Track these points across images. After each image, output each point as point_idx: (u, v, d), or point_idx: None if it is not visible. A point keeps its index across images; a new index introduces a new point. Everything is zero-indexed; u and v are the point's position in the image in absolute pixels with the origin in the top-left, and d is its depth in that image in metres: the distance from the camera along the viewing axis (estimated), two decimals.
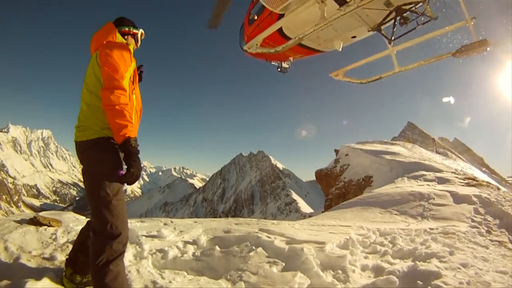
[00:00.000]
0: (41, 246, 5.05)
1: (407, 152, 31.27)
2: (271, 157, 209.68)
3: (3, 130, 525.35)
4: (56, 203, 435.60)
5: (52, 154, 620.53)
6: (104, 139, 3.34)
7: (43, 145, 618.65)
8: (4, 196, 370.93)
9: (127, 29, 3.94)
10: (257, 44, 6.81)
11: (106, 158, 3.32)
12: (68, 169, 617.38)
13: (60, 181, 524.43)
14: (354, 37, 7.13)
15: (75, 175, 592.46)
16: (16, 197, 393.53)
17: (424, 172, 19.24)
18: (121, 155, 3.27)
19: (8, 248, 4.76)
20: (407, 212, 11.78)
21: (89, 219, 4.03)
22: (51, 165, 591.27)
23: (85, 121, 3.42)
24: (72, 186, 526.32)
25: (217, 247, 5.47)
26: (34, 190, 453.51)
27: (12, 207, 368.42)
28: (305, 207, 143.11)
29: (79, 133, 3.45)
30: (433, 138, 63.21)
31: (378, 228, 8.56)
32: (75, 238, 5.34)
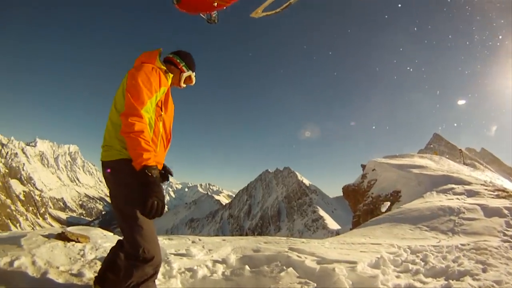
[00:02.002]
0: (69, 262, 4.96)
1: (434, 165, 30.84)
2: (297, 173, 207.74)
3: (31, 144, 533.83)
4: (82, 217, 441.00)
5: (79, 168, 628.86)
6: (128, 161, 3.18)
7: (70, 160, 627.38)
8: (31, 208, 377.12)
9: (176, 59, 3.83)
10: None
11: (130, 181, 3.17)
12: (94, 183, 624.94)
13: (86, 195, 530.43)
14: None
15: (102, 190, 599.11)
16: (43, 209, 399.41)
17: (453, 185, 18.95)
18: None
19: (35, 262, 4.67)
20: (437, 227, 11.53)
21: (119, 237, 3.92)
22: (78, 179, 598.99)
23: (110, 140, 3.34)
24: (98, 200, 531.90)
25: (247, 267, 5.30)
26: (61, 203, 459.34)
27: (39, 218, 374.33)
28: (332, 224, 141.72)
29: (104, 153, 3.37)
30: (460, 149, 62.34)
31: (409, 245, 8.35)
32: (103, 255, 5.36)
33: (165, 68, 3.62)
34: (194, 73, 3.94)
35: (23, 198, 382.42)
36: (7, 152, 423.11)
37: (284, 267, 5.29)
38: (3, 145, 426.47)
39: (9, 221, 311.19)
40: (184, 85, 3.96)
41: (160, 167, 3.40)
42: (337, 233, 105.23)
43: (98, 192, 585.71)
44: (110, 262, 3.57)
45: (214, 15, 4.75)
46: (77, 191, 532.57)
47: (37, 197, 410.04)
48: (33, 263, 4.65)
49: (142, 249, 3.06)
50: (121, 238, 3.54)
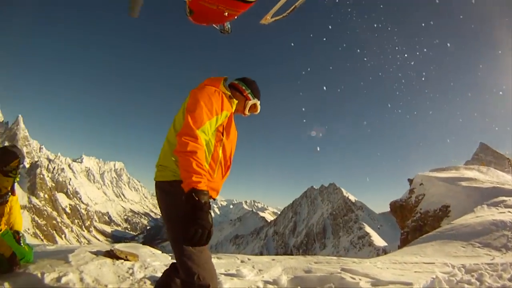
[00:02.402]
0: (117, 280, 4.90)
1: (483, 176, 29.98)
2: (342, 189, 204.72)
3: (77, 160, 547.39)
4: (127, 231, 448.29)
5: (124, 184, 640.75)
6: (181, 183, 2.93)
7: (116, 176, 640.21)
8: (76, 221, 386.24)
9: (241, 86, 3.68)
10: None
11: (182, 204, 2.89)
12: (140, 199, 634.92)
13: (131, 210, 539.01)
14: None
15: (147, 206, 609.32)
16: (88, 223, 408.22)
17: (504, 198, 18.33)
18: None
19: (83, 279, 4.62)
20: (490, 244, 11.11)
21: (167, 255, 3.78)
22: (123, 195, 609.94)
23: (165, 160, 3.23)
24: (143, 216, 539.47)
25: None
26: (106, 217, 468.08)
27: (84, 231, 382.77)
28: (378, 241, 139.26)
29: (158, 173, 3.27)
30: (508, 159, 60.24)
31: (462, 264, 8.11)
32: (152, 274, 5.35)
33: (230, 93, 3.47)
34: (259, 101, 3.78)
35: (69, 211, 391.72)
36: (54, 167, 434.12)
37: None
38: (50, 160, 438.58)
39: (54, 232, 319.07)
40: (248, 113, 3.81)
41: (215, 195, 3.27)
42: (384, 250, 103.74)
43: (143, 207, 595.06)
44: (163, 285, 3.46)
45: (226, 26, 4.95)
46: (122, 206, 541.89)
47: (82, 211, 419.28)
48: (81, 280, 4.59)
49: (197, 276, 2.88)
50: (174, 260, 3.39)
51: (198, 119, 2.98)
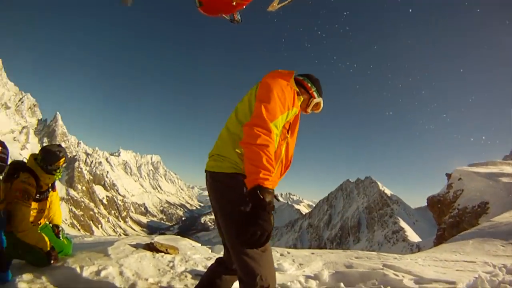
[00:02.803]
0: (157, 274, 4.82)
1: None
2: (378, 183, 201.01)
3: (115, 154, 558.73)
4: (162, 221, 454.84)
5: (161, 177, 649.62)
6: (242, 176, 2.77)
7: (153, 169, 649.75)
8: (113, 211, 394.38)
9: (307, 83, 3.41)
10: None
11: (242, 200, 2.77)
12: (176, 191, 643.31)
13: (167, 202, 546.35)
14: None
15: (182, 197, 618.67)
16: (125, 213, 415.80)
17: None
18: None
19: (123, 273, 4.56)
20: None
21: (207, 248, 3.63)
22: (159, 187, 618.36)
23: (223, 150, 2.99)
24: (179, 207, 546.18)
25: (341, 284, 4.98)
26: (142, 208, 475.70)
27: (120, 221, 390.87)
28: (413, 236, 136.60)
29: (213, 163, 3.01)
30: None
31: (503, 264, 7.93)
32: (193, 267, 5.26)
33: (297, 90, 3.26)
34: (321, 98, 3.53)
35: (106, 202, 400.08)
36: (92, 161, 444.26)
37: (382, 286, 4.94)
38: (88, 154, 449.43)
39: (91, 222, 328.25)
40: (310, 111, 3.55)
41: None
42: (418, 246, 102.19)
43: (179, 199, 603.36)
44: (208, 281, 3.34)
45: (236, 15, 4.83)
46: (158, 198, 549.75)
47: (119, 202, 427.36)
48: (121, 273, 4.54)
49: (259, 276, 2.66)
50: (219, 255, 3.40)
51: (272, 111, 2.75)
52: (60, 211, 5.51)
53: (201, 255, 6.16)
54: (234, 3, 4.60)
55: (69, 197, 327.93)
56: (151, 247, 5.68)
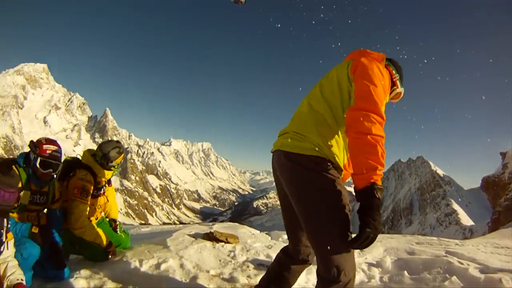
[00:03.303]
0: (219, 265, 4.74)
1: None
2: (431, 163, 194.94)
3: (166, 143, 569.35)
4: (215, 207, 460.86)
5: (212, 163, 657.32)
6: (324, 161, 2.54)
7: (204, 156, 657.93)
8: (166, 199, 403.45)
9: (392, 70, 3.01)
10: None
11: (328, 187, 2.50)
12: (228, 177, 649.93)
13: (220, 188, 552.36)
14: None
15: (234, 182, 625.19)
16: (178, 201, 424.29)
17: None
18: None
19: (184, 265, 4.48)
20: None
21: (266, 235, 3.44)
22: (211, 173, 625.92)
23: (304, 128, 2.66)
24: (231, 192, 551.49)
25: (405, 273, 4.79)
26: (195, 195, 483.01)
27: (174, 209, 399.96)
28: (465, 219, 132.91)
29: (289, 141, 2.68)
30: None
31: None
32: (254, 257, 5.18)
33: None
34: (403, 88, 3.13)
35: (159, 191, 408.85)
36: (144, 152, 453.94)
37: (447, 275, 4.69)
38: (139, 146, 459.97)
39: (145, 210, 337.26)
40: (388, 101, 3.08)
41: None
42: (470, 230, 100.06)
43: (231, 184, 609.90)
44: (274, 273, 3.20)
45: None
46: (211, 184, 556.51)
47: (172, 190, 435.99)
48: (181, 266, 4.47)
49: (344, 272, 2.38)
50: (285, 244, 3.21)
51: (379, 96, 2.45)
52: (116, 205, 5.57)
53: (261, 243, 6.07)
54: None
55: (123, 188, 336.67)
56: (211, 237, 5.59)
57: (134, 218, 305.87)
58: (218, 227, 6.59)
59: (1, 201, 2.86)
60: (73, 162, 4.86)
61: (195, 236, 5.71)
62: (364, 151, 2.27)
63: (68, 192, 4.56)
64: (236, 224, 7.55)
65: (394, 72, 2.99)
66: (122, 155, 4.99)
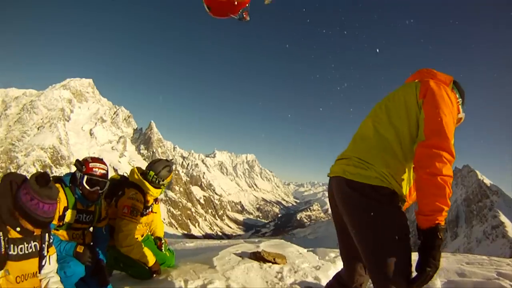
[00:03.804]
0: (266, 287, 4.67)
1: None
2: (477, 172, 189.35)
3: (210, 155, 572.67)
4: (258, 219, 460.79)
5: (256, 175, 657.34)
6: (388, 192, 2.50)
7: (248, 168, 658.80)
8: (210, 210, 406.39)
9: (456, 93, 2.87)
10: None
11: (394, 220, 2.49)
12: (271, 188, 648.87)
13: (263, 199, 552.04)
14: None
15: (278, 194, 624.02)
16: (221, 212, 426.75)
17: None
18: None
19: (230, 287, 4.41)
20: None
21: (313, 254, 3.34)
22: (255, 185, 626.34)
23: (369, 156, 2.60)
24: (275, 204, 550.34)
25: None
26: (239, 207, 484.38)
27: (217, 219, 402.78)
28: None
29: (354, 169, 2.61)
30: None
31: None
32: (302, 279, 5.09)
33: None
34: (464, 113, 2.97)
35: (203, 202, 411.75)
36: (188, 164, 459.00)
37: None
38: (184, 157, 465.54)
39: (188, 221, 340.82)
40: None
41: None
42: None
43: (275, 196, 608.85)
44: None
45: (241, 14, 5.51)
46: (254, 196, 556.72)
47: (216, 201, 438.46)
48: (228, 287, 4.39)
49: None
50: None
51: (450, 130, 2.40)
52: (162, 223, 5.61)
53: (309, 264, 5.91)
54: (236, 3, 5.35)
55: (167, 198, 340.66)
56: (258, 257, 5.49)
57: (177, 228, 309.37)
58: (265, 246, 6.47)
59: (41, 212, 2.89)
60: (120, 181, 4.93)
61: (242, 255, 5.60)
62: (433, 193, 2.26)
63: (117, 210, 4.60)
64: (283, 241, 7.40)
65: (457, 96, 2.86)
66: (172, 173, 5.02)
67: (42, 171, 3.35)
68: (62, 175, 4.14)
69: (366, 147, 2.67)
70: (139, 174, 4.87)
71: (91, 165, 4.07)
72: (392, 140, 2.57)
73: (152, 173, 4.81)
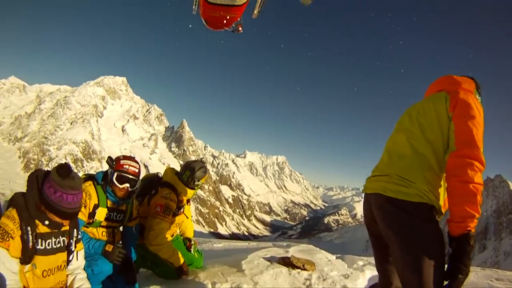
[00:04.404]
0: None
1: None
2: (509, 182, 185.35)
3: (241, 155, 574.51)
4: (285, 221, 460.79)
5: (286, 177, 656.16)
6: (429, 207, 2.59)
7: (278, 169, 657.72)
8: (238, 210, 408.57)
9: (478, 97, 2.97)
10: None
11: (433, 235, 2.56)
12: (301, 191, 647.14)
13: (292, 201, 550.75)
14: None
15: (307, 197, 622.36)
16: (249, 212, 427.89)
17: None
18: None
19: None
20: None
21: (342, 262, 3.33)
22: (284, 186, 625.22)
23: (409, 173, 2.66)
24: (303, 207, 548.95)
25: None
26: (267, 208, 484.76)
27: (244, 219, 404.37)
28: None
29: (394, 187, 2.67)
30: None
31: None
32: (330, 286, 5.06)
33: None
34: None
35: (231, 202, 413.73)
36: (218, 163, 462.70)
37: None
38: (214, 157, 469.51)
39: (216, 219, 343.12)
40: None
41: None
42: None
43: (304, 199, 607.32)
44: None
45: (233, 27, 6.91)
46: (283, 197, 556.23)
47: (244, 201, 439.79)
48: None
49: None
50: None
51: (481, 139, 2.51)
52: (191, 224, 5.63)
53: (338, 272, 5.83)
54: (228, 17, 6.66)
55: (196, 196, 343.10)
56: (287, 262, 5.42)
57: (203, 226, 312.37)
58: (294, 251, 6.41)
59: (66, 204, 2.92)
60: (153, 179, 4.99)
61: (271, 260, 5.54)
62: (465, 200, 2.37)
63: (150, 208, 4.63)
64: (312, 247, 7.33)
65: (480, 100, 2.95)
66: (207, 175, 5.09)
67: (64, 162, 3.38)
68: (95, 172, 4.16)
69: (406, 165, 2.71)
70: (173, 174, 4.93)
71: (122, 162, 4.09)
72: (430, 156, 2.64)
73: (188, 172, 4.87)
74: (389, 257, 2.86)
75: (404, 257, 2.56)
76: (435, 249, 2.50)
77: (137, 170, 4.15)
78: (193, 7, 7.78)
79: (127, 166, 4.07)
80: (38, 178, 2.97)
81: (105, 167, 4.20)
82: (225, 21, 7.12)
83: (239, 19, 7.09)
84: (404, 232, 2.60)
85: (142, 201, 4.82)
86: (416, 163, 2.68)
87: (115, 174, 4.02)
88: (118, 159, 4.15)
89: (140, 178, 4.25)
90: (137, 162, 4.24)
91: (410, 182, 2.62)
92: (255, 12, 6.88)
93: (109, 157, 4.21)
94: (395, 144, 2.94)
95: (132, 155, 4.34)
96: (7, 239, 2.77)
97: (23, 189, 3.00)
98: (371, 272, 5.93)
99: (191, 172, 4.87)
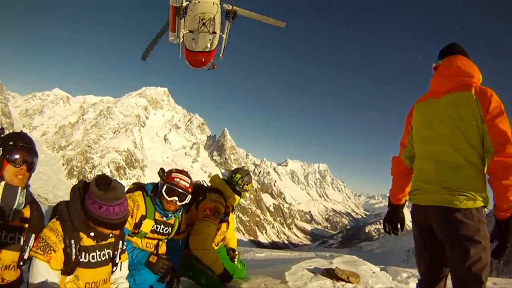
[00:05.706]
0: None
1: None
2: None
3: (282, 164, 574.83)
4: (326, 229, 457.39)
5: (327, 185, 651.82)
6: (483, 208, 2.91)
7: (320, 177, 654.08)
8: (278, 218, 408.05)
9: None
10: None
11: (487, 233, 2.83)
12: (342, 199, 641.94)
13: (333, 210, 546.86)
14: (214, 32, 9.10)
15: (349, 206, 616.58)
16: (290, 220, 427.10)
17: None
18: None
19: None
20: None
21: (387, 274, 3.45)
22: (326, 195, 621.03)
23: (469, 185, 2.88)
24: (344, 215, 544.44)
25: None
26: (308, 216, 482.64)
27: (285, 228, 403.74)
28: None
29: (457, 197, 2.87)
30: None
31: None
32: None
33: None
34: None
35: (272, 210, 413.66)
36: (260, 171, 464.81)
37: None
38: (256, 165, 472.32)
39: (256, 227, 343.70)
40: None
41: None
42: None
43: (345, 207, 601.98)
44: None
45: (209, 66, 9.56)
46: (324, 206, 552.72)
47: (285, 210, 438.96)
48: None
49: None
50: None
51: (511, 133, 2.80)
52: (235, 235, 5.70)
53: (383, 285, 5.77)
54: (203, 59, 9.23)
55: (237, 204, 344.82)
56: (331, 274, 5.34)
57: (244, 234, 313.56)
58: (338, 262, 6.32)
59: (113, 216, 2.89)
60: (200, 187, 5.00)
61: (315, 271, 5.44)
62: (509, 196, 2.68)
63: (198, 213, 4.68)
64: (356, 258, 7.24)
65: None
66: (252, 181, 5.22)
67: (101, 173, 3.41)
68: (137, 180, 4.14)
69: (463, 176, 2.90)
70: (220, 179, 5.05)
71: (173, 174, 4.10)
72: (479, 163, 2.91)
73: (238, 175, 5.03)
74: (442, 263, 3.09)
75: (472, 257, 2.75)
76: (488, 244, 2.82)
77: (187, 185, 4.11)
78: (179, 53, 9.56)
79: (177, 179, 4.06)
80: (80, 190, 2.98)
81: (147, 175, 4.22)
82: (202, 62, 9.64)
83: (212, 60, 9.66)
84: (476, 237, 2.78)
85: (189, 209, 4.81)
86: (472, 174, 2.89)
87: (165, 186, 4.02)
88: (170, 171, 4.17)
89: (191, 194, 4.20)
90: (189, 177, 4.22)
91: (472, 192, 2.85)
92: (220, 55, 9.32)
93: (161, 169, 4.22)
94: (438, 152, 3.07)
95: (175, 164, 4.32)
96: (49, 252, 2.80)
97: (66, 195, 3.02)
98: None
99: (242, 178, 4.99)
